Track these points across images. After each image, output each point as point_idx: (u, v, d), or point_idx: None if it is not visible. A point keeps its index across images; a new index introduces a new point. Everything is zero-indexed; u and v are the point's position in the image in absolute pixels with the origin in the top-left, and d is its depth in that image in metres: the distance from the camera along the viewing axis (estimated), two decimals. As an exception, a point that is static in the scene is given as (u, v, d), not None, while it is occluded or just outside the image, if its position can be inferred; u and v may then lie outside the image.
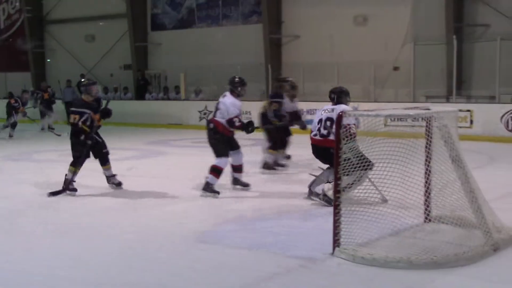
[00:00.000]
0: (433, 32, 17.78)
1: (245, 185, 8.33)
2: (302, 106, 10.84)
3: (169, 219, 6.87)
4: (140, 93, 22.83)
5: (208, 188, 7.88)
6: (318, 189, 7.33)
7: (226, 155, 7.92)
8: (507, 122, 14.81)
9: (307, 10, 20.18)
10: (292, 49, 20.74)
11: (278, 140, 10.06)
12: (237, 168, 8.27)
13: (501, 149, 13.16)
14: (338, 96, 7.51)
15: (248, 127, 8.01)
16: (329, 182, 7.03)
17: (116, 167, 8.65)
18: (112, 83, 23.65)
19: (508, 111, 14.86)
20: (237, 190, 8.29)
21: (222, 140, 7.95)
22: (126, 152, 12.71)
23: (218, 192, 7.89)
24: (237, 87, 8.07)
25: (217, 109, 8.05)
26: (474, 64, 17.71)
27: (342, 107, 7.13)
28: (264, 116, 10.12)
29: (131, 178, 9.00)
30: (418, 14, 18.16)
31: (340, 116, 5.15)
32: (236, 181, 8.34)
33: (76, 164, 8.01)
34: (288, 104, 10.20)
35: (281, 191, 8.35)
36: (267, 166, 9.95)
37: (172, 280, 4.69)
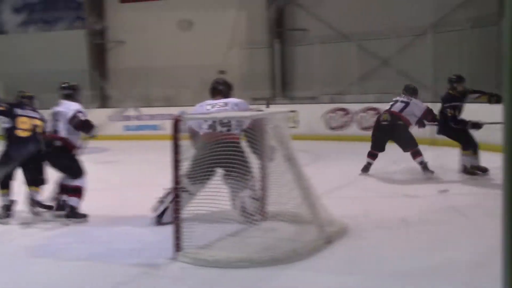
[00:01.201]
0: (257, 36, 18.40)
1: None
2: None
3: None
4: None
5: None
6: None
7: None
8: (327, 121, 15.69)
9: (131, 16, 20.02)
10: (118, 54, 20.46)
11: (469, 140, 9.04)
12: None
13: (323, 147, 13.89)
14: (227, 88, 6.69)
15: None
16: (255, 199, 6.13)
17: None
18: None
19: (327, 111, 15.74)
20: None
21: None
22: None
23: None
24: None
25: None
26: (296, 67, 18.57)
27: (235, 101, 6.46)
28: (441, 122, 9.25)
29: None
30: (242, 19, 18.69)
31: (177, 121, 5.15)
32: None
33: None
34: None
35: (112, 198, 8.13)
36: (467, 171, 9.04)
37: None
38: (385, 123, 9.40)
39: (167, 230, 5.33)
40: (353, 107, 15.57)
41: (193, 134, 6.15)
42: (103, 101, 19.44)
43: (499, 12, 14.52)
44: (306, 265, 4.96)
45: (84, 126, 6.90)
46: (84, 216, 6.83)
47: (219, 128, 6.09)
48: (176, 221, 5.21)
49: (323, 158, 12.17)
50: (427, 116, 9.42)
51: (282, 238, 5.49)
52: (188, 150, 5.54)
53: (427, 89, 15.31)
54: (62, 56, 20.28)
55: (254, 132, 5.89)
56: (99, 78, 19.48)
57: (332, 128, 15.65)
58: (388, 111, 9.45)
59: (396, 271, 4.78)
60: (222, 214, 5.69)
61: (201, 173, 5.74)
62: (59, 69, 18.55)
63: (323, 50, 17.29)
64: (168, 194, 6.15)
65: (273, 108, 6.47)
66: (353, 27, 17.57)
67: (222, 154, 5.65)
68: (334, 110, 15.73)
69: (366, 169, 9.59)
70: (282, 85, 17.87)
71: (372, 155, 9.60)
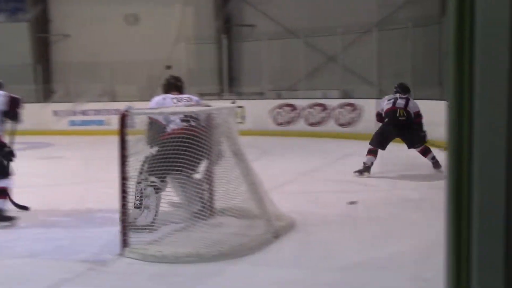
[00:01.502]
0: (204, 31, 18.37)
1: None
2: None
3: None
4: None
5: None
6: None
7: None
8: (274, 116, 15.80)
9: (76, 9, 19.63)
10: (62, 48, 20.07)
11: None
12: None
13: (271, 142, 13.95)
14: (181, 84, 6.66)
15: None
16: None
17: None
18: None
19: (274, 106, 15.85)
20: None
21: None
22: None
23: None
24: None
25: None
26: (243, 62, 18.63)
27: (195, 97, 6.54)
28: None
29: None
30: (189, 14, 18.63)
31: (124, 116, 5.10)
32: None
33: None
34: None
35: (56, 194, 7.98)
36: None
37: None
38: (402, 118, 9.03)
39: (114, 226, 5.28)
40: (300, 103, 15.71)
41: (155, 126, 5.98)
42: (47, 96, 19.09)
43: (441, 12, 14.87)
44: (254, 259, 5.00)
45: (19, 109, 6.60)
46: (11, 218, 6.37)
47: (192, 123, 5.98)
48: (123, 217, 5.17)
49: (270, 153, 12.23)
50: (416, 118, 9.12)
51: (230, 233, 5.50)
52: (137, 145, 5.48)
53: (372, 86, 15.61)
54: (3, 50, 19.76)
55: (208, 127, 5.87)
56: (42, 72, 19.08)
57: (279, 124, 15.75)
58: (403, 108, 9.04)
59: (344, 265, 4.85)
60: (171, 210, 5.68)
61: (171, 167, 5.67)
62: (1, 64, 18.12)
63: (270, 46, 17.36)
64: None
65: (220, 103, 6.46)
66: (300, 23, 17.70)
67: (195, 147, 5.61)
68: (281, 106, 15.84)
69: (367, 169, 8.90)
70: (229, 80, 17.89)
71: (374, 153, 8.97)
